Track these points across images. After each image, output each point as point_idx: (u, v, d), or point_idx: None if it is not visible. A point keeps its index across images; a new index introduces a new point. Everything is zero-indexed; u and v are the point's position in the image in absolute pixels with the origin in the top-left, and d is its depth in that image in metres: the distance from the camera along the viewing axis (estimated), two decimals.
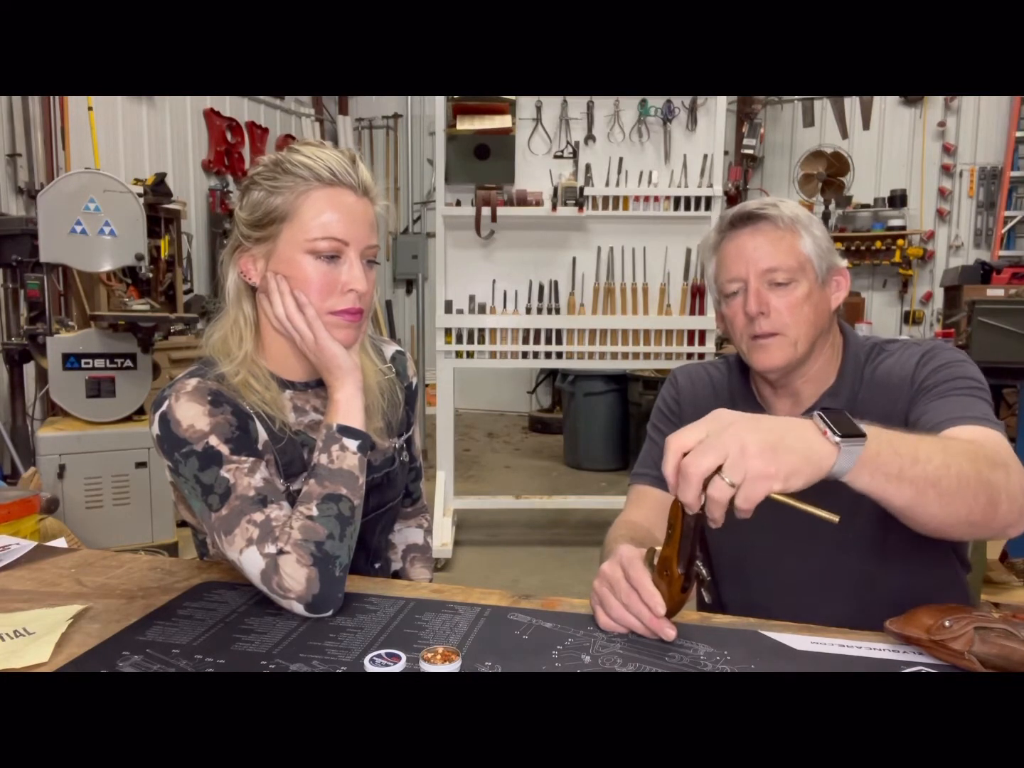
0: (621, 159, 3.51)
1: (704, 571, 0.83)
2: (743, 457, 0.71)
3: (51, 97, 4.23)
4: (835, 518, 0.73)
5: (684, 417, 1.22)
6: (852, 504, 1.07)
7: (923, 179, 5.94)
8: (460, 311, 3.53)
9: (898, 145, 6.01)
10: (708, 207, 3.45)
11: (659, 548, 0.85)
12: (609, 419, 5.17)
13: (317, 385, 1.10)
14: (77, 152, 4.45)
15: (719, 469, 0.71)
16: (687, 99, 3.49)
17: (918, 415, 1.03)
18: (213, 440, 0.96)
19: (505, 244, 3.53)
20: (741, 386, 1.22)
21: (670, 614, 0.84)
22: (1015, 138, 5.62)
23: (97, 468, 3.18)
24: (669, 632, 0.84)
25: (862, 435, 0.76)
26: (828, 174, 4.97)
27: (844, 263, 1.17)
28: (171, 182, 4.57)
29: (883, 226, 6.01)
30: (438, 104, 3.43)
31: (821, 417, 0.76)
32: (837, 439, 0.75)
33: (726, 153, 4.72)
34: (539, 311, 3.54)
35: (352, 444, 1.00)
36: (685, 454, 0.73)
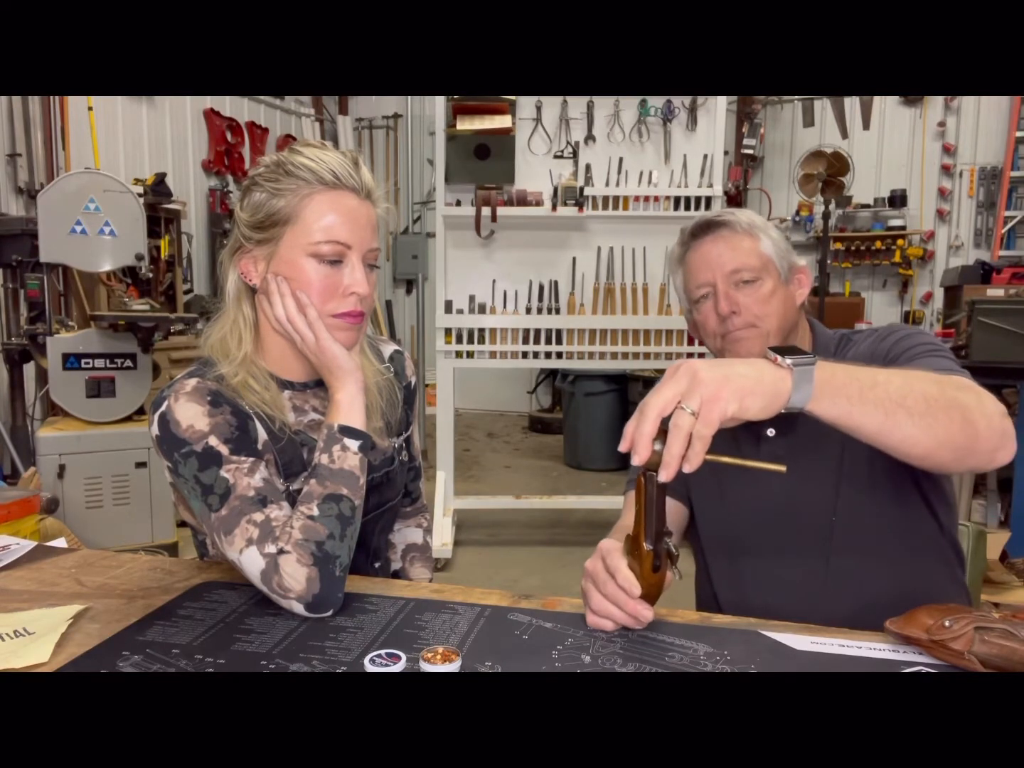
0: (621, 159, 3.51)
1: (674, 548, 0.83)
2: (697, 384, 0.74)
3: (51, 97, 4.23)
4: (782, 468, 0.76)
5: None
6: (855, 499, 1.07)
7: (923, 179, 5.94)
8: (460, 311, 3.52)
9: (898, 145, 6.02)
10: (708, 207, 3.45)
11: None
12: (609, 419, 5.17)
13: (316, 385, 1.10)
14: (77, 152, 4.45)
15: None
16: (687, 99, 3.48)
17: None
18: (212, 440, 0.96)
19: (505, 244, 3.53)
20: None
21: (648, 597, 0.84)
22: (1015, 138, 5.62)
23: (97, 468, 3.17)
24: (645, 613, 0.84)
25: (811, 356, 0.79)
26: (828, 174, 4.96)
27: (803, 262, 1.23)
28: (171, 182, 4.57)
29: (883, 226, 6.02)
30: (438, 104, 3.43)
31: (770, 350, 0.80)
32: (788, 362, 0.78)
33: (726, 153, 4.72)
34: (539, 311, 3.54)
35: (353, 444, 1.00)
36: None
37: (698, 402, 0.73)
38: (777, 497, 1.13)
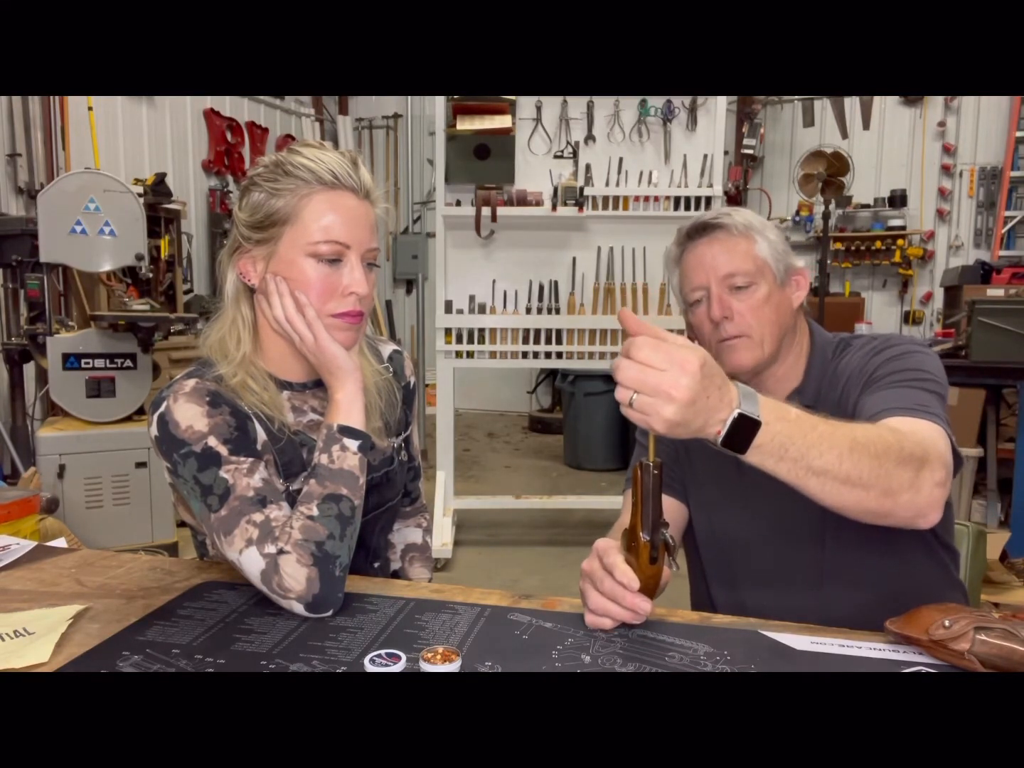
0: (621, 159, 3.51)
1: (670, 539, 0.83)
2: (659, 401, 0.72)
3: (51, 97, 4.23)
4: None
5: None
6: None
7: (923, 179, 5.94)
8: (460, 311, 3.52)
9: (898, 145, 6.01)
10: (708, 207, 3.44)
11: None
12: (609, 419, 5.17)
13: (315, 386, 1.10)
14: (77, 152, 4.45)
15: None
16: (687, 99, 3.48)
17: (861, 405, 1.04)
18: (212, 441, 0.96)
19: (505, 244, 3.53)
20: None
21: (646, 590, 0.84)
22: (1015, 138, 5.62)
23: (97, 468, 3.17)
24: (643, 605, 0.84)
25: (740, 452, 0.76)
26: (828, 174, 4.96)
27: (801, 263, 1.21)
28: (171, 182, 4.57)
29: (883, 226, 6.02)
30: (438, 104, 3.43)
31: (734, 419, 0.75)
32: (719, 439, 0.75)
33: (726, 153, 4.72)
34: (539, 311, 3.54)
35: (353, 444, 1.00)
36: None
37: (644, 407, 0.72)
38: (773, 504, 1.12)
